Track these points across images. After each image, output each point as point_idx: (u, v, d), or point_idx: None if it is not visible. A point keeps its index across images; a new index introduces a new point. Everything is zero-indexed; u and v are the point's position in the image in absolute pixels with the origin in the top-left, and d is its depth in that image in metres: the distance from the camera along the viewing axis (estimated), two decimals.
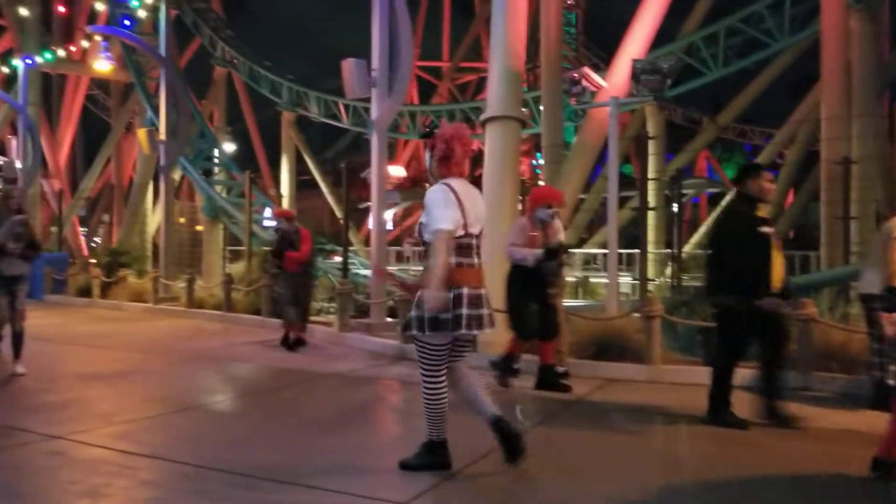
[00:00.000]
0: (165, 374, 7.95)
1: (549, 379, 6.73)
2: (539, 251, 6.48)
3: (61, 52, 26.96)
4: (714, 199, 33.92)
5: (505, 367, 6.89)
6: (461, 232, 4.16)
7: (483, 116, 9.71)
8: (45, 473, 4.35)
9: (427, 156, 4.40)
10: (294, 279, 9.46)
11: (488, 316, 4.26)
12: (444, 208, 4.10)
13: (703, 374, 7.35)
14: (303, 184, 35.83)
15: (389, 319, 10.94)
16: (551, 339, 6.74)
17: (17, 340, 7.27)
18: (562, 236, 6.85)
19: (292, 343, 9.47)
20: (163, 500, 3.97)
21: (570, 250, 6.86)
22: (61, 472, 4.39)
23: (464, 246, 4.19)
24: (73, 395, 6.46)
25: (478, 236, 4.27)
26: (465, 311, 4.11)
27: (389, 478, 4.40)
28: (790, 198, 27.60)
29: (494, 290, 8.79)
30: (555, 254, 6.47)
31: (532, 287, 6.57)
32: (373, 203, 11.44)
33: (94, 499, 3.94)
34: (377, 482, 4.25)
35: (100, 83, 35.52)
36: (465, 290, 4.12)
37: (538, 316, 6.62)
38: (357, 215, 33.86)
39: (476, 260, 4.25)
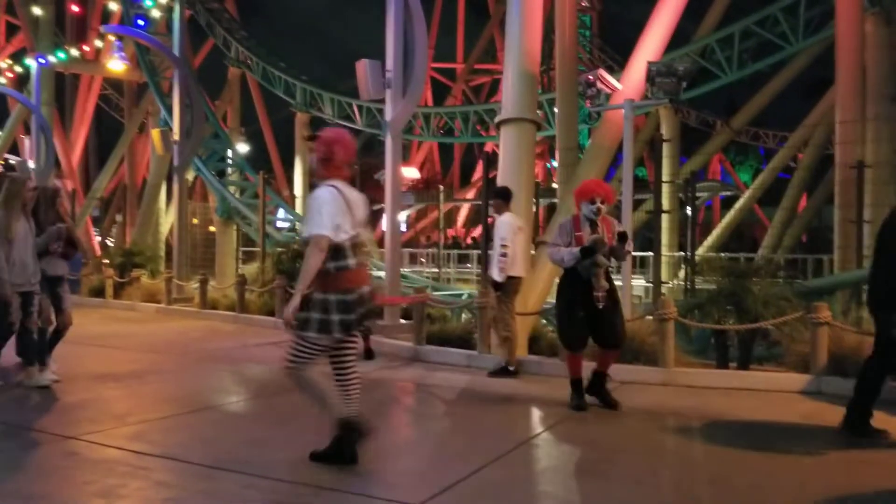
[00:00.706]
0: (179, 374, 7.98)
1: (602, 390, 6.27)
2: (574, 250, 5.98)
3: (75, 52, 27.14)
4: (728, 203, 33.74)
5: (575, 394, 6.26)
6: (352, 233, 4.32)
7: (498, 118, 9.69)
8: (59, 473, 4.37)
9: (310, 157, 4.54)
10: None
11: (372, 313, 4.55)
12: (328, 213, 4.24)
13: (717, 377, 7.37)
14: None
15: (403, 321, 10.93)
16: (611, 348, 6.18)
17: (55, 339, 7.06)
18: (617, 229, 6.18)
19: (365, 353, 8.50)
20: (177, 501, 3.97)
21: (625, 247, 6.21)
22: (76, 472, 4.41)
23: (353, 246, 4.34)
24: (87, 396, 6.49)
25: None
26: (354, 314, 4.28)
27: (405, 479, 4.39)
28: (804, 201, 27.44)
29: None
30: (590, 252, 5.91)
31: (578, 291, 6.03)
32: (387, 204, 11.44)
33: (109, 499, 3.95)
34: (393, 483, 4.25)
35: (113, 83, 35.72)
36: (362, 291, 4.30)
37: (586, 323, 6.04)
38: (371, 216, 33.90)
39: (361, 261, 4.39)
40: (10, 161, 27.76)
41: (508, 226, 7.63)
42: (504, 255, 7.53)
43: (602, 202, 6.05)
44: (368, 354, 8.51)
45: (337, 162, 4.40)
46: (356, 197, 4.44)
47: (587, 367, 6.31)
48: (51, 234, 6.79)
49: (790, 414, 6.11)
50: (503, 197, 7.93)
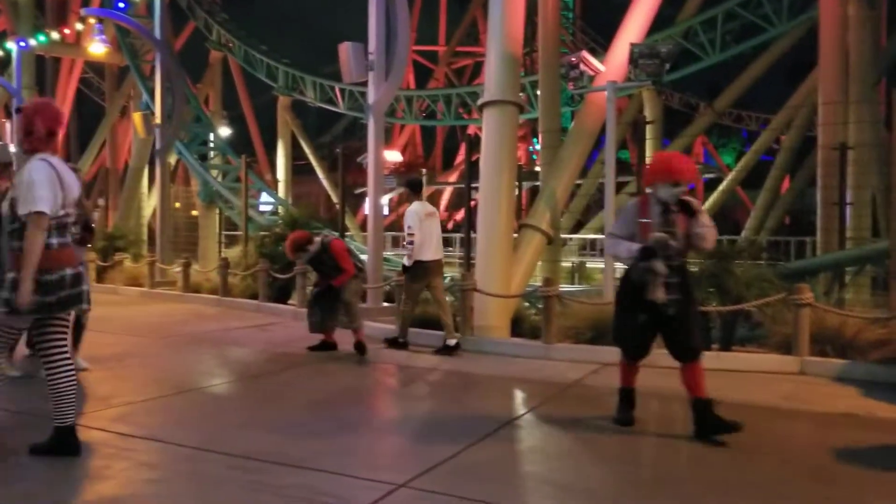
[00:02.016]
0: (163, 357, 7.96)
1: (710, 420, 4.84)
2: (633, 247, 4.84)
3: (55, 35, 26.73)
4: (711, 185, 33.86)
5: (620, 405, 5.34)
6: (62, 212, 4.19)
7: (480, 101, 9.67)
8: (44, 456, 4.36)
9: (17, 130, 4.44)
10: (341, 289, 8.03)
11: (87, 293, 4.34)
12: (46, 188, 4.09)
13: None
14: (299, 169, 35.68)
15: (386, 304, 10.95)
16: (688, 361, 5.01)
17: (79, 331, 6.70)
18: (702, 227, 4.84)
19: (356, 345, 7.99)
20: (162, 482, 3.98)
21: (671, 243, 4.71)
22: (58, 454, 4.39)
23: (63, 225, 4.22)
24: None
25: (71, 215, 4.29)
26: (77, 289, 4.19)
27: (387, 459, 4.42)
28: (786, 183, 27.62)
29: (491, 280, 8.85)
30: (651, 253, 4.73)
31: (638, 292, 4.90)
32: (369, 188, 11.42)
33: (94, 481, 3.96)
34: (375, 463, 4.28)
35: (94, 66, 35.27)
36: (64, 272, 4.15)
37: (647, 329, 5.02)
38: (353, 200, 33.80)
39: (65, 241, 4.23)
40: None
41: (415, 214, 8.08)
42: (411, 242, 8.02)
43: (686, 186, 4.85)
44: (360, 349, 7.77)
45: (39, 134, 4.23)
46: (70, 177, 4.28)
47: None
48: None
49: (771, 395, 6.19)
50: (412, 187, 8.49)
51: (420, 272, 8.08)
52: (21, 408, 5.37)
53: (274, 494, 3.72)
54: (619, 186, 16.05)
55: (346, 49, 10.94)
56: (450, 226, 38.94)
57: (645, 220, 4.83)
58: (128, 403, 5.67)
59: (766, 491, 3.93)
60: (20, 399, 5.57)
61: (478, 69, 42.23)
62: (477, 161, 9.97)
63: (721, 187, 27.95)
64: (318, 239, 7.88)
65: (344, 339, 8.03)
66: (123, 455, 4.39)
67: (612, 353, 7.49)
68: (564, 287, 11.36)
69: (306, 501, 3.63)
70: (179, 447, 4.52)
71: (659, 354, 7.38)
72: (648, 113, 23.56)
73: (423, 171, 24.84)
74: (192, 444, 4.54)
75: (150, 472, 4.12)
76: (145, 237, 23.58)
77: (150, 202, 26.57)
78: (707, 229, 4.83)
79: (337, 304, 7.84)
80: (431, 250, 8.12)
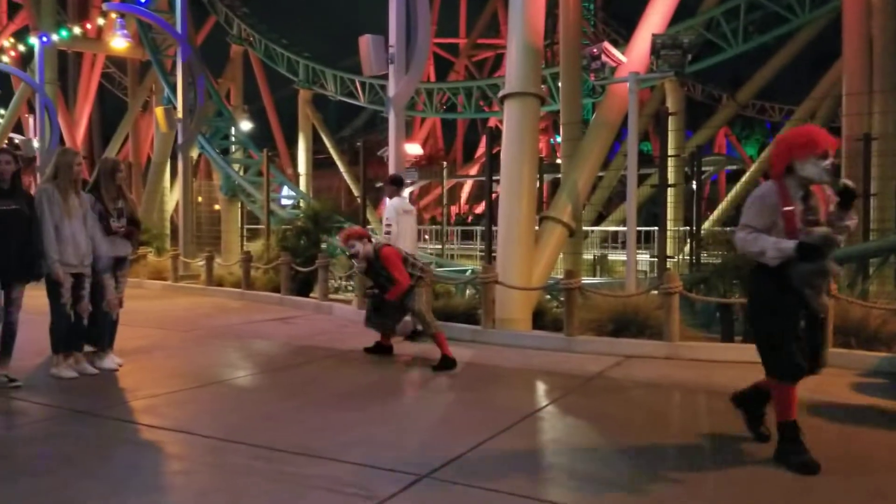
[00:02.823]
0: (188, 350, 8.04)
1: (794, 446, 4.14)
2: (785, 245, 3.97)
3: (77, 30, 27.00)
4: (734, 177, 33.57)
5: (797, 444, 4.16)
6: None
7: (502, 93, 9.65)
8: (73, 446, 4.43)
9: None
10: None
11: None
12: None
13: (721, 351, 7.40)
14: (319, 162, 35.84)
15: None
16: (818, 371, 4.27)
17: (112, 328, 6.76)
18: (851, 220, 4.12)
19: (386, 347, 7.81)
20: (188, 473, 4.03)
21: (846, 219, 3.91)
22: (88, 445, 4.47)
23: None
24: (96, 371, 6.51)
25: None
26: None
27: (409, 450, 4.44)
28: None
29: (512, 273, 8.84)
30: (814, 253, 3.94)
31: (795, 296, 4.08)
32: None
33: (121, 472, 4.01)
34: (397, 455, 4.30)
35: (116, 61, 35.57)
36: None
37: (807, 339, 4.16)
38: (374, 194, 33.83)
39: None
40: (15, 140, 27.73)
41: (394, 208, 8.59)
42: (388, 233, 8.41)
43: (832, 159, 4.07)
44: (444, 364, 6.95)
45: None
46: None
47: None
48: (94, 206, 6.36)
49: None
50: (395, 183, 8.92)
51: None
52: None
53: (298, 485, 3.76)
54: (641, 179, 15.92)
55: (366, 42, 10.94)
56: (470, 219, 38.92)
57: (789, 209, 4.02)
58: (154, 395, 5.73)
59: (792, 487, 3.91)
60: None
61: (498, 62, 42.12)
62: (498, 153, 9.95)
63: (744, 179, 27.71)
64: (370, 245, 7.22)
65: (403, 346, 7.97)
66: (151, 446, 4.46)
67: (635, 346, 7.52)
68: (586, 280, 11.32)
69: (330, 492, 3.67)
70: (205, 438, 4.57)
71: (693, 347, 7.39)
72: (671, 104, 23.36)
73: (444, 164, 24.71)
74: (218, 436, 4.59)
75: (177, 464, 4.18)
76: (168, 231, 23.78)
77: (172, 196, 26.78)
78: (854, 223, 4.17)
79: (389, 308, 7.33)
80: (406, 244, 8.40)
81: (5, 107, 30.99)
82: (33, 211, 5.93)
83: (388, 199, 8.94)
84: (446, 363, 6.92)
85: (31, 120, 27.05)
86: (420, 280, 7.28)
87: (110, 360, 6.64)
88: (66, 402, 5.42)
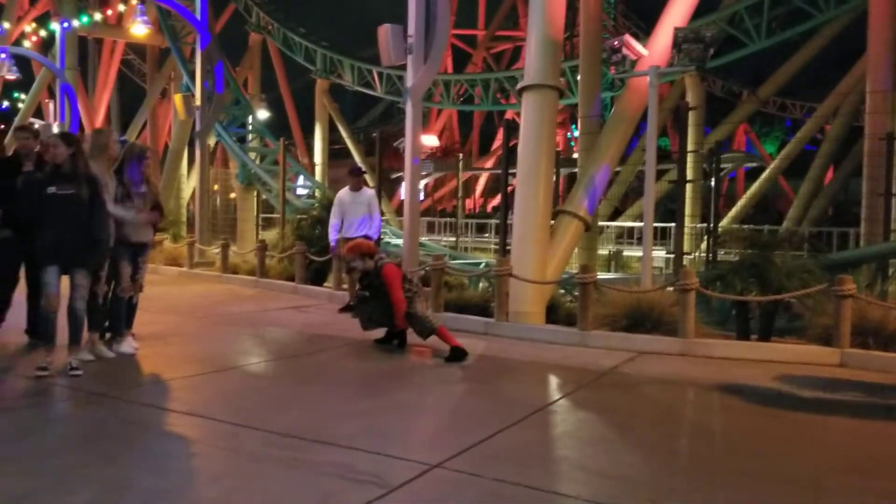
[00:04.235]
0: (203, 336, 8.08)
1: None
2: None
3: (98, 16, 27.14)
4: (752, 174, 33.32)
5: None
6: None
7: (520, 85, 9.61)
8: (90, 428, 4.47)
9: None
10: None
11: None
12: None
13: (737, 349, 7.35)
14: (335, 153, 35.88)
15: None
16: None
17: (131, 311, 6.80)
18: None
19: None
20: (202, 457, 4.06)
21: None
22: (106, 427, 4.51)
23: None
24: (112, 356, 6.56)
25: None
26: None
27: (422, 440, 4.45)
28: (830, 174, 27.09)
29: (527, 266, 8.82)
30: None
31: None
32: (406, 172, 11.41)
33: (136, 455, 4.04)
34: (410, 444, 4.31)
35: (135, 48, 35.75)
36: None
37: None
38: (389, 185, 33.87)
39: None
40: (35, 125, 27.93)
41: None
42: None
43: None
44: (455, 355, 6.90)
45: None
46: None
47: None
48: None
49: (810, 388, 6.09)
50: (352, 173, 10.29)
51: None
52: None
53: (312, 471, 3.77)
54: (658, 175, 15.87)
55: (385, 32, 10.90)
56: (490, 209, 38.82)
57: None
58: (170, 380, 5.77)
59: (803, 483, 3.88)
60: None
61: (516, 54, 41.97)
62: (514, 147, 9.92)
63: (763, 176, 27.53)
64: (371, 261, 7.19)
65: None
66: (166, 429, 4.49)
67: (649, 342, 7.48)
68: (601, 275, 11.28)
69: (343, 479, 3.68)
70: (220, 423, 4.59)
71: (707, 344, 7.35)
72: (690, 99, 23.24)
73: (460, 156, 24.70)
74: (232, 421, 4.61)
75: (191, 447, 4.21)
76: (185, 218, 23.91)
77: (189, 184, 26.93)
78: None
79: (378, 310, 7.25)
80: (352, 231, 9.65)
81: (26, 92, 31.21)
82: (95, 194, 5.76)
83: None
84: (457, 354, 6.89)
85: (51, 105, 27.22)
86: (415, 295, 7.21)
87: (128, 344, 6.68)
88: (84, 385, 5.46)
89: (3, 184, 6.36)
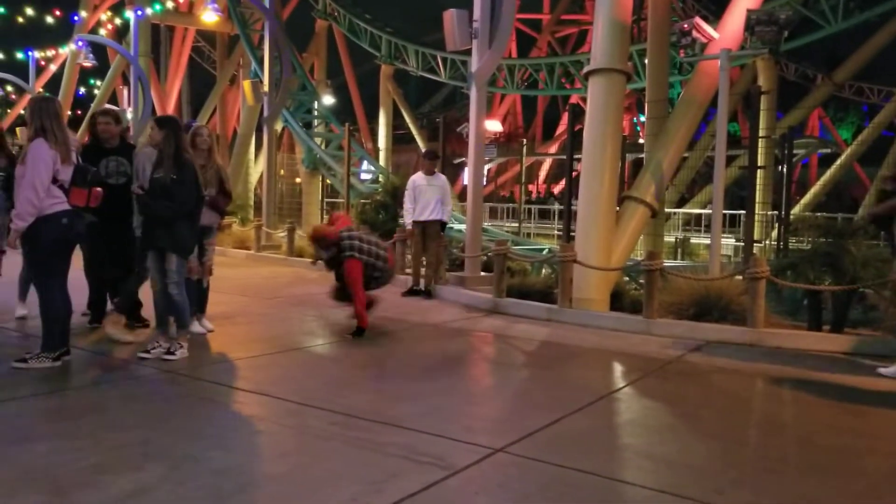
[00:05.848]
0: (268, 317, 8.25)
1: None
2: None
3: (170, 4, 27.79)
4: (826, 161, 32.22)
5: None
6: None
7: (587, 68, 9.49)
8: (162, 405, 4.62)
9: None
10: None
11: None
12: None
13: (807, 340, 7.14)
14: (399, 138, 36.08)
15: (484, 273, 10.96)
16: None
17: (203, 295, 6.93)
18: None
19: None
20: (270, 434, 4.15)
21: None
22: (176, 404, 4.65)
23: None
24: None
25: None
26: None
27: (485, 424, 4.46)
28: None
29: (591, 253, 8.73)
30: None
31: None
32: (470, 157, 11.39)
33: (204, 430, 4.15)
34: (473, 427, 4.32)
35: (206, 35, 36.52)
36: None
37: None
38: (451, 170, 33.86)
39: None
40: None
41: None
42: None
43: None
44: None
45: None
46: None
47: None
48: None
49: (886, 380, 5.89)
50: (427, 157, 10.47)
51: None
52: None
53: (375, 451, 3.82)
54: (728, 160, 15.49)
55: (450, 16, 10.88)
56: (557, 192, 38.49)
57: None
58: (237, 359, 5.91)
59: (875, 480, 3.76)
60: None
61: (582, 38, 41.40)
62: (579, 132, 9.81)
63: (838, 163, 26.63)
64: (340, 244, 7.11)
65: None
66: (233, 407, 4.60)
67: (717, 331, 7.33)
68: (667, 262, 11.09)
69: (406, 460, 3.71)
70: (285, 402, 4.69)
71: (778, 334, 7.16)
72: (763, 83, 22.56)
73: (524, 141, 24.53)
74: (297, 400, 4.70)
75: (258, 424, 4.30)
76: (252, 202, 24.39)
77: (256, 168, 27.43)
78: None
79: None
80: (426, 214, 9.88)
81: (102, 78, 32.25)
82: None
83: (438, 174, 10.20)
84: (360, 332, 7.01)
85: (125, 91, 28.05)
86: (384, 273, 7.40)
87: (199, 325, 6.86)
88: (156, 362, 5.64)
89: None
